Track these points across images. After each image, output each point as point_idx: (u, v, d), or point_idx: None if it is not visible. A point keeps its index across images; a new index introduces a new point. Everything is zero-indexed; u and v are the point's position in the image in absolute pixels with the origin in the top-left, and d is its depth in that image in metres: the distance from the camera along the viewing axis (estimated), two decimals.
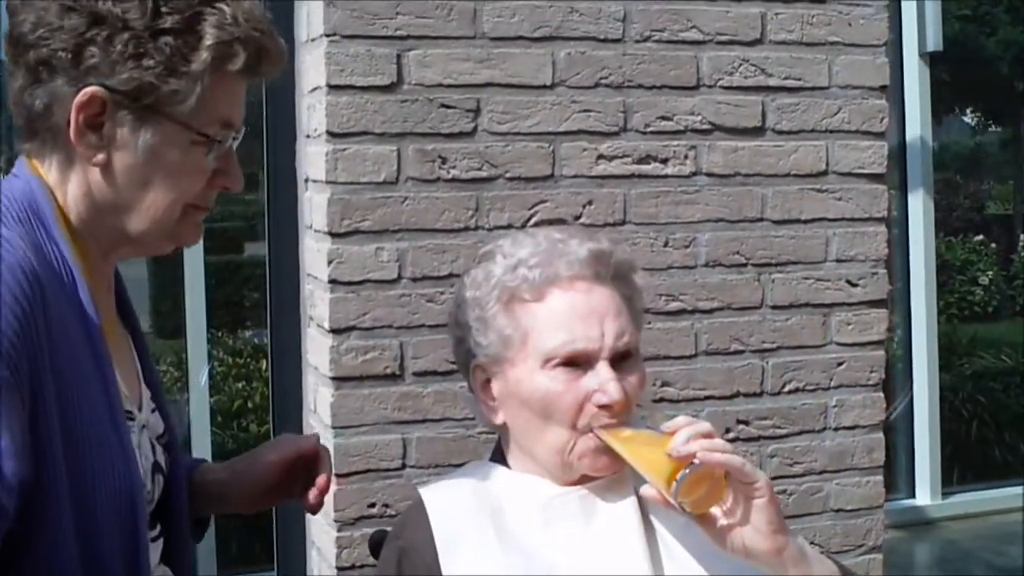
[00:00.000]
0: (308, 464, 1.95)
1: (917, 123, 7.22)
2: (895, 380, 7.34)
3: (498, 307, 1.94)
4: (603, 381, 1.87)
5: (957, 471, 7.55)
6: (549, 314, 1.91)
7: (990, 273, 9.77)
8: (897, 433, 7.27)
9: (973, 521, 7.13)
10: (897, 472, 7.26)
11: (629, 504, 1.93)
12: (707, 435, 1.78)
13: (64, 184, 1.66)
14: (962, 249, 9.78)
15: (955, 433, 7.67)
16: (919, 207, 7.26)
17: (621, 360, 1.91)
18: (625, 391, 1.88)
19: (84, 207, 1.67)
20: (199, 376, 6.26)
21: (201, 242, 6.51)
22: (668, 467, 1.75)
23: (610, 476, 1.95)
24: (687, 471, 1.73)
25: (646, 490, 1.83)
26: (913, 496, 7.22)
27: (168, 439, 1.84)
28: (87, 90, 1.59)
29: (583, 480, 1.94)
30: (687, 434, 1.78)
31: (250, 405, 6.99)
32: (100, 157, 1.63)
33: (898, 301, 7.39)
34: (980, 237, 9.97)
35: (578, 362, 1.89)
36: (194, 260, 6.42)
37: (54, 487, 1.52)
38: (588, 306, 1.91)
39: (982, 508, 7.25)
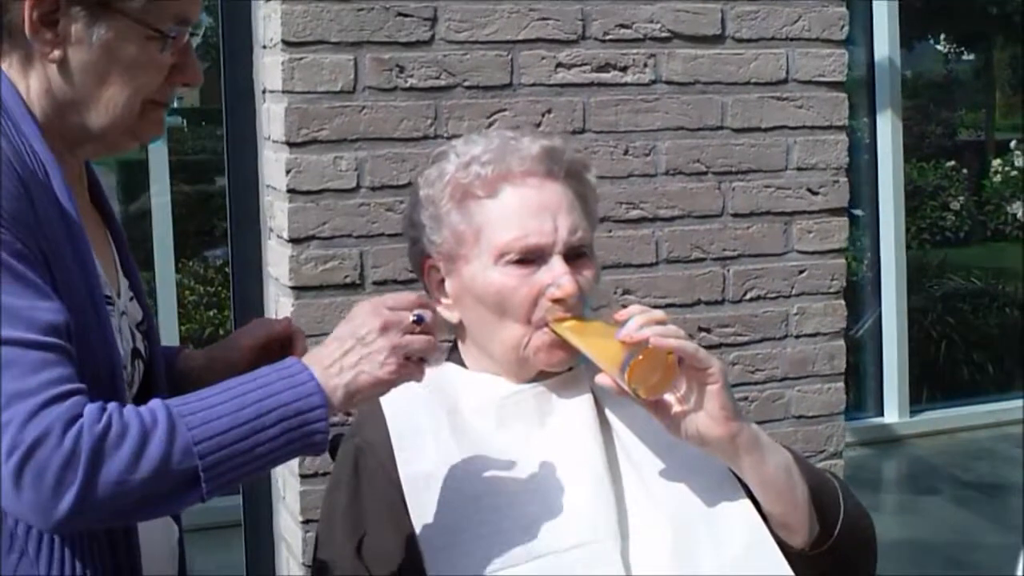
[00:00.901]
0: (283, 346, 1.98)
1: (885, 46, 7.22)
2: (864, 302, 7.38)
3: (451, 204, 1.95)
4: (556, 275, 1.88)
5: (927, 390, 7.62)
6: (502, 209, 1.92)
7: (961, 198, 9.80)
8: (866, 352, 7.33)
9: (941, 438, 7.21)
10: (866, 390, 7.33)
11: (584, 401, 1.94)
12: (659, 321, 1.79)
13: (26, 80, 1.69)
14: (934, 174, 9.80)
15: (925, 353, 7.74)
16: (887, 130, 7.28)
17: (575, 257, 1.92)
18: (579, 284, 1.89)
19: (46, 103, 1.70)
20: (167, 305, 6.27)
21: (167, 172, 6.42)
22: (620, 354, 1.76)
23: (566, 374, 1.97)
24: (639, 355, 1.74)
25: (600, 378, 1.85)
26: (881, 414, 7.28)
27: (147, 327, 1.88)
28: None
29: (539, 377, 1.96)
30: (639, 321, 1.79)
31: (221, 332, 7.00)
32: (56, 53, 1.66)
33: (867, 224, 7.42)
34: (952, 163, 9.99)
35: (531, 257, 1.90)
36: (160, 191, 6.40)
37: None
38: (540, 201, 1.92)
39: (950, 425, 7.33)
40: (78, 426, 1.49)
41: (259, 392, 1.60)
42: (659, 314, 1.81)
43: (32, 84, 1.69)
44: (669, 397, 1.82)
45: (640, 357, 1.74)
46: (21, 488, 1.47)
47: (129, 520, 1.64)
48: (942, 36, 11.49)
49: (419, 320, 1.68)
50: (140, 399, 1.80)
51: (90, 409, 1.51)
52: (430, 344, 1.68)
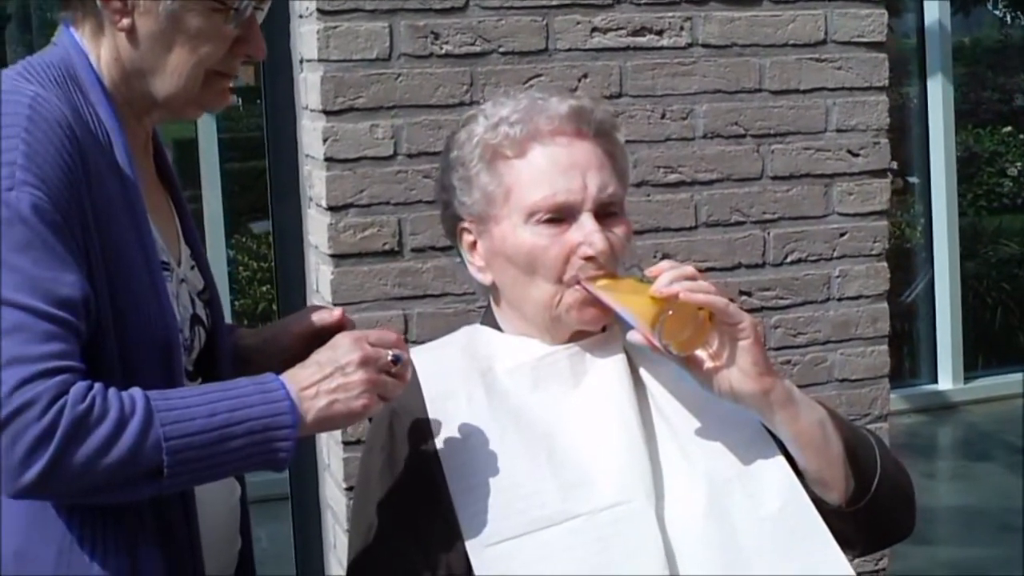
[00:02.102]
0: (333, 335, 2.00)
1: (936, 10, 7.14)
2: (916, 267, 7.33)
3: (481, 165, 1.95)
4: (587, 233, 1.88)
5: (981, 356, 7.55)
6: (531, 168, 1.92)
7: (1019, 164, 9.69)
8: (919, 319, 7.27)
9: (995, 405, 7.14)
10: (919, 357, 7.28)
11: (618, 361, 1.94)
12: (691, 277, 1.79)
13: (97, 49, 1.77)
14: (990, 140, 9.69)
15: (979, 319, 7.67)
16: (939, 95, 7.21)
17: (606, 216, 1.92)
18: (610, 242, 1.89)
19: (115, 71, 1.77)
20: (219, 281, 6.30)
21: (217, 149, 6.50)
22: (652, 309, 1.76)
23: (599, 335, 1.97)
24: (671, 310, 1.74)
25: (632, 335, 1.85)
26: (935, 381, 7.23)
27: (209, 296, 1.95)
28: None
29: (573, 337, 1.96)
30: (670, 276, 1.79)
31: (275, 307, 7.04)
32: (125, 22, 1.73)
33: (920, 190, 7.37)
34: (1008, 128, 9.87)
35: (561, 215, 1.90)
36: (210, 168, 6.44)
37: (102, 330, 1.65)
38: (570, 159, 1.91)
39: (1004, 392, 7.26)
40: (61, 403, 1.53)
41: (234, 402, 1.64)
42: (689, 269, 1.81)
43: (102, 52, 1.76)
44: (701, 353, 1.82)
45: (671, 312, 1.75)
46: None
47: (83, 501, 1.67)
48: (999, 1, 11.36)
49: (396, 360, 1.74)
50: (201, 365, 1.90)
51: (77, 388, 1.55)
52: (400, 387, 1.75)
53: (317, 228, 3.01)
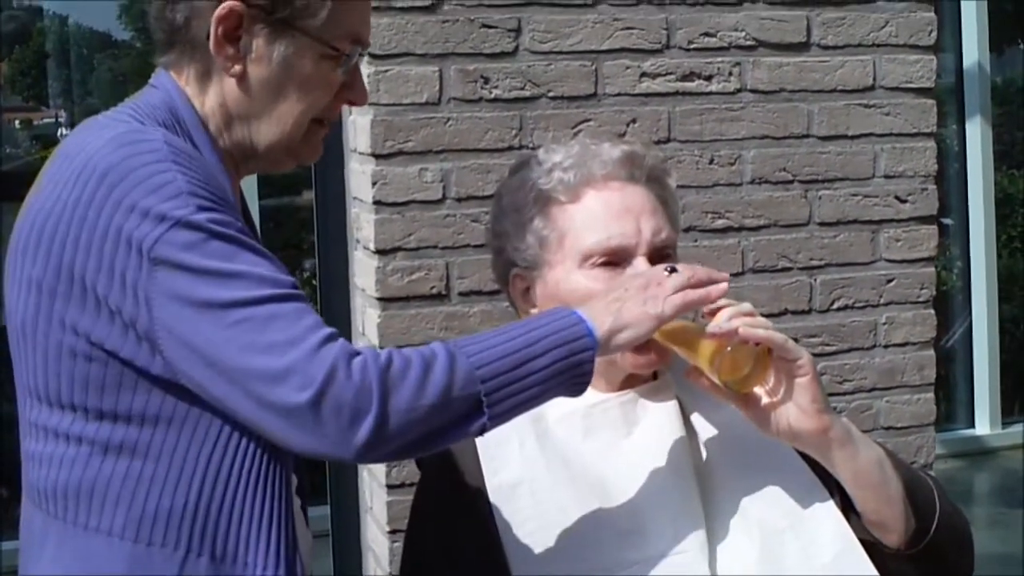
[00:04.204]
0: None
1: (975, 51, 7.14)
2: (954, 311, 7.29)
3: (535, 210, 1.96)
4: None
5: (1018, 401, 7.50)
6: (585, 213, 1.92)
7: None
8: (956, 363, 7.23)
9: None
10: (956, 402, 7.24)
11: (670, 408, 1.94)
12: (748, 314, 1.78)
13: (202, 95, 1.76)
14: None
15: (1016, 363, 7.61)
16: (977, 137, 7.19)
17: (660, 260, 1.91)
18: None
19: (220, 117, 1.77)
20: None
21: (256, 186, 6.59)
22: (710, 347, 1.75)
23: (652, 383, 1.96)
24: (728, 347, 1.74)
25: (691, 375, 1.84)
26: (972, 426, 7.19)
27: None
28: (226, 4, 1.69)
29: (625, 384, 1.95)
30: (728, 313, 1.78)
31: None
32: (237, 68, 1.73)
33: (957, 232, 7.34)
34: None
35: (616, 259, 1.90)
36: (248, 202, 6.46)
37: None
38: (623, 204, 1.92)
39: None
40: (362, 359, 1.56)
41: (527, 326, 1.67)
42: (747, 306, 1.80)
43: (208, 98, 1.76)
44: (759, 390, 1.80)
45: (730, 350, 1.74)
46: (320, 423, 1.54)
47: (415, 453, 1.71)
48: None
49: (672, 270, 1.77)
50: None
51: (365, 349, 1.58)
52: (684, 280, 1.75)
53: (364, 271, 3.01)
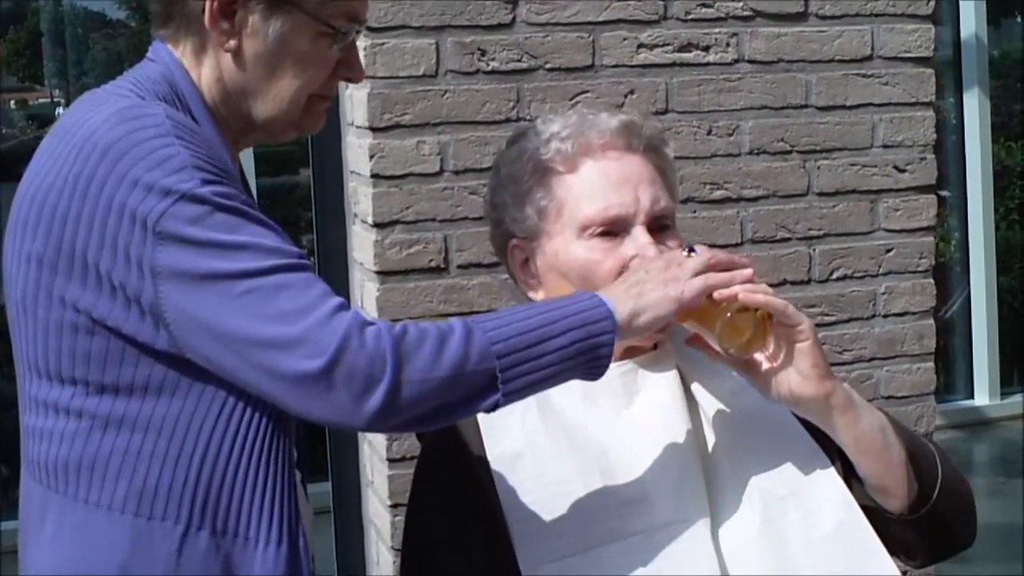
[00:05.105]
0: None
1: (972, 23, 7.12)
2: (952, 283, 7.30)
3: (532, 180, 1.95)
4: (641, 246, 1.87)
5: (1017, 372, 7.51)
6: (583, 183, 1.91)
7: None
8: (955, 334, 7.24)
9: None
10: (955, 372, 7.25)
11: (671, 378, 1.93)
12: (749, 280, 1.78)
13: (198, 68, 1.76)
14: (1022, 154, 9.64)
15: (1014, 334, 7.62)
16: (975, 109, 7.19)
17: (659, 230, 1.91)
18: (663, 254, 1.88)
19: (216, 91, 1.77)
20: None
21: (253, 165, 6.55)
22: (711, 313, 1.75)
23: (652, 352, 1.96)
24: (729, 312, 1.73)
25: (690, 342, 1.84)
26: (971, 396, 7.20)
27: None
28: None
29: (626, 354, 1.95)
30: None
31: None
32: (232, 43, 1.73)
33: (955, 204, 7.34)
34: None
35: (615, 229, 1.89)
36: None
37: None
38: (621, 173, 1.91)
39: None
40: (376, 328, 1.55)
41: (546, 305, 1.67)
42: (748, 272, 1.80)
43: (204, 71, 1.76)
44: (759, 356, 1.80)
45: (730, 315, 1.74)
46: (332, 389, 1.53)
47: (425, 426, 1.69)
48: None
49: (691, 250, 1.77)
50: None
51: (380, 320, 1.59)
52: (703, 261, 1.74)
53: (362, 245, 3.01)
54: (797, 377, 1.78)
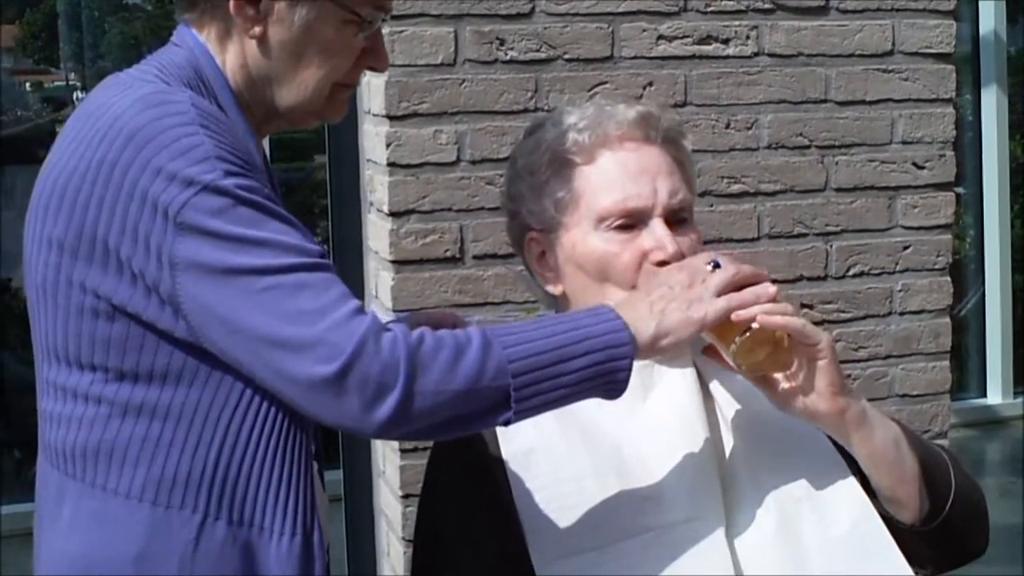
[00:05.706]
0: None
1: (991, 19, 7.10)
2: (967, 280, 7.27)
3: (550, 172, 1.93)
4: (658, 238, 1.85)
5: None
6: (600, 174, 1.89)
7: None
8: (969, 332, 7.22)
9: None
10: (968, 371, 7.22)
11: (688, 375, 1.91)
12: (772, 298, 1.75)
13: (223, 53, 1.75)
14: None
15: None
16: (992, 106, 7.15)
17: (677, 223, 1.89)
18: (681, 247, 1.86)
19: (241, 77, 1.75)
20: None
21: (268, 152, 6.58)
22: (728, 329, 1.73)
23: None
24: (746, 332, 1.71)
25: (707, 354, 1.82)
26: (984, 395, 7.18)
27: None
28: None
29: None
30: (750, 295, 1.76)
31: None
32: (257, 30, 1.71)
33: (971, 201, 7.31)
34: None
35: (632, 221, 1.87)
36: None
37: None
38: (639, 164, 1.89)
39: None
40: (392, 335, 1.53)
41: (570, 323, 1.63)
42: (771, 289, 1.77)
43: (228, 57, 1.74)
44: (776, 373, 1.79)
45: (747, 335, 1.71)
46: (344, 394, 1.51)
47: (435, 437, 1.70)
48: None
49: (716, 265, 1.73)
50: None
51: (398, 325, 1.56)
52: (728, 277, 1.71)
53: (378, 233, 3.00)
54: (813, 394, 1.76)
